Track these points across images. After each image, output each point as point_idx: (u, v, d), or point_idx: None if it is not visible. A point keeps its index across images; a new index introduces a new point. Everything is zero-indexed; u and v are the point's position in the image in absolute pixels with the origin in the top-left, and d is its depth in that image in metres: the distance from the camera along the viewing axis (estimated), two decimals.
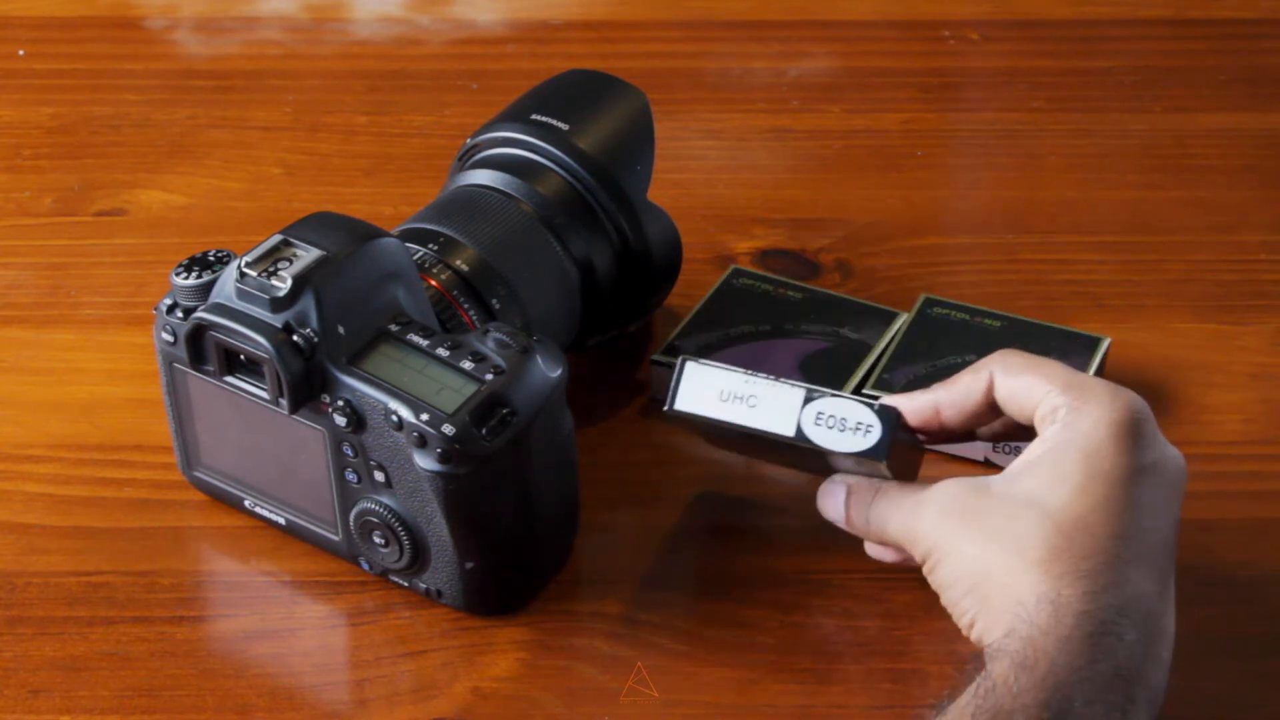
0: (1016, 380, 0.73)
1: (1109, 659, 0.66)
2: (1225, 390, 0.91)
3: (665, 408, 0.78)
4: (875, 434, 0.74)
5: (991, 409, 0.75)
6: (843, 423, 0.75)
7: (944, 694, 0.67)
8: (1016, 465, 0.72)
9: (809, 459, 0.78)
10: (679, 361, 0.78)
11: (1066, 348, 0.89)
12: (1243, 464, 0.86)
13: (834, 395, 0.75)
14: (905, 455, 0.77)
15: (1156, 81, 1.15)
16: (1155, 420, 0.71)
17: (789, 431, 0.76)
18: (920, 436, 0.77)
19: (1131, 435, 0.70)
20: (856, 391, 0.87)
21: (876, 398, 0.86)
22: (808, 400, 0.75)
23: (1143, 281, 0.98)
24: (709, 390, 0.77)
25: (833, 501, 0.77)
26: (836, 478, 0.77)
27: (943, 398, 0.75)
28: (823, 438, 0.75)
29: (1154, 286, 0.98)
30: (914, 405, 0.76)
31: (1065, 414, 0.71)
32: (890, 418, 0.74)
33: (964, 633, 0.71)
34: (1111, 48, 1.18)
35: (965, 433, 0.77)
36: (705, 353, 0.89)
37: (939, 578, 0.72)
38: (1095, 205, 1.04)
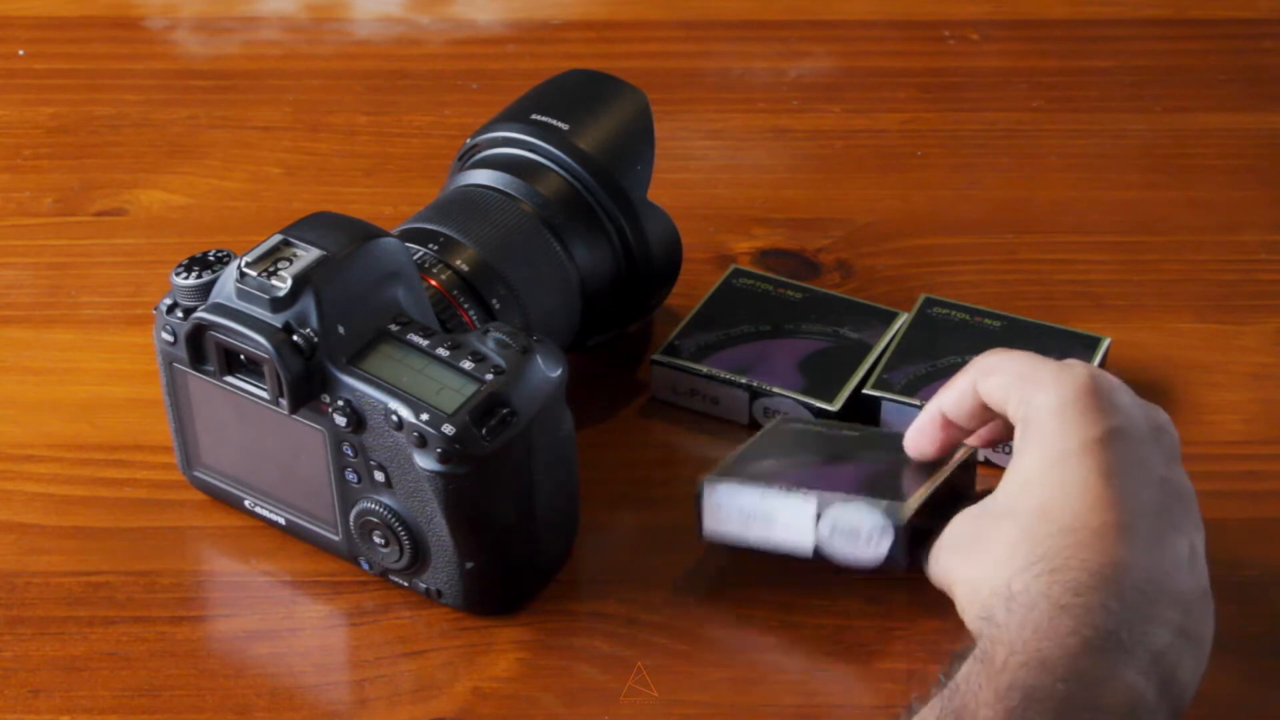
0: (989, 380, 0.74)
1: (1075, 633, 0.65)
2: (1225, 390, 0.91)
3: (699, 535, 0.78)
4: (887, 542, 0.74)
5: (987, 409, 0.75)
6: (855, 534, 0.75)
7: (913, 696, 0.67)
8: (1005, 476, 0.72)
9: None
10: (698, 487, 0.78)
11: (1066, 348, 0.88)
12: (1243, 464, 0.86)
13: (844, 501, 0.75)
14: (959, 479, 0.78)
15: (1156, 81, 1.15)
16: (1121, 386, 0.71)
17: (808, 549, 0.76)
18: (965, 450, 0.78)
19: (1082, 409, 0.70)
20: (857, 391, 0.87)
21: (877, 399, 0.86)
22: (820, 513, 0.75)
23: (1143, 281, 0.98)
24: (732, 511, 0.77)
25: None
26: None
27: (945, 402, 0.76)
28: (840, 550, 0.75)
29: (1154, 286, 0.98)
30: (927, 419, 0.77)
31: (1021, 410, 0.71)
32: (897, 521, 0.74)
33: None
34: (1111, 48, 1.18)
35: (974, 431, 0.77)
36: (705, 352, 0.89)
37: (959, 610, 0.72)
38: (1095, 205, 1.04)
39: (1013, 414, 0.72)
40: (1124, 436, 0.70)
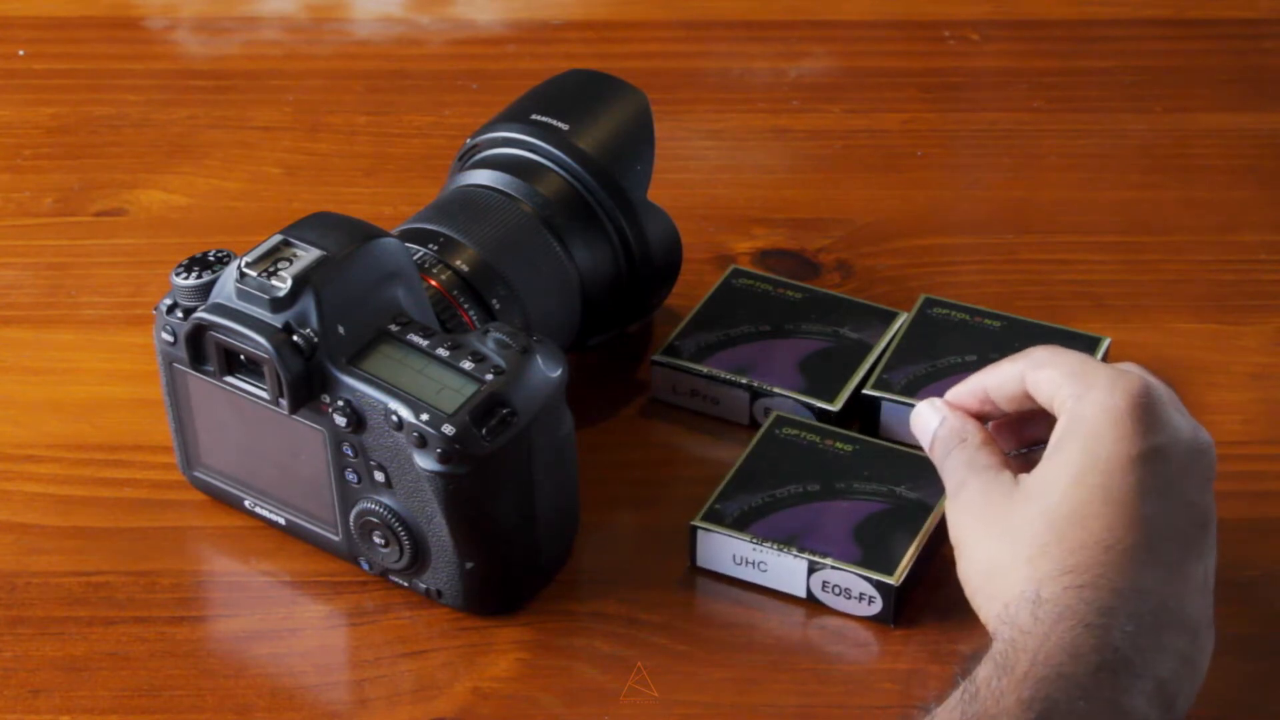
0: (1039, 373, 0.73)
1: (1095, 652, 0.65)
2: (1225, 390, 0.91)
3: (690, 565, 0.81)
4: (879, 604, 0.77)
5: (1029, 398, 0.75)
6: (847, 592, 0.78)
7: (930, 696, 0.67)
8: (1040, 461, 0.72)
9: None
10: (689, 529, 0.80)
11: (1066, 348, 0.88)
12: (1243, 464, 0.86)
13: (834, 567, 0.77)
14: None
15: (1156, 81, 1.15)
16: (1173, 400, 0.71)
17: (801, 594, 0.79)
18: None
19: (1133, 420, 0.69)
20: (857, 391, 0.87)
21: (877, 399, 0.86)
22: (811, 571, 0.78)
23: (1143, 281, 0.98)
24: (723, 554, 0.79)
25: (923, 429, 0.77)
26: (937, 402, 0.77)
27: (990, 381, 0.75)
28: (833, 602, 0.78)
29: (1154, 286, 0.98)
30: (967, 389, 0.76)
31: (1070, 403, 0.71)
32: (889, 587, 0.77)
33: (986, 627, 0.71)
34: (1111, 48, 1.18)
35: (1005, 415, 0.77)
36: (706, 353, 0.89)
37: (959, 571, 0.72)
38: (1095, 205, 1.04)
39: (1059, 407, 0.72)
40: (1166, 457, 0.69)
